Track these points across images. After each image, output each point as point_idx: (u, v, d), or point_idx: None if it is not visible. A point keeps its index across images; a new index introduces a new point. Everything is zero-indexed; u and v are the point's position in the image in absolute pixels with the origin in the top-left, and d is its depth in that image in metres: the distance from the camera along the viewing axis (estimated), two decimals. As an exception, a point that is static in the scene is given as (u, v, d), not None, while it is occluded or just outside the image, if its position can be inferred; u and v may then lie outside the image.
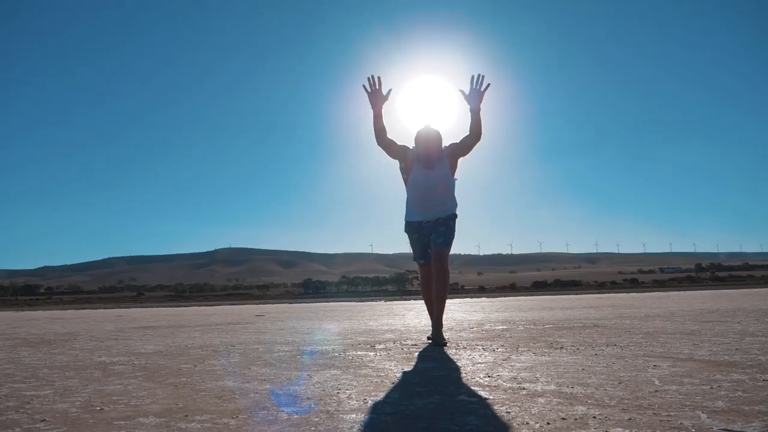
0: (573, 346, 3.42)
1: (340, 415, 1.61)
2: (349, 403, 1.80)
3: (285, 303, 29.43)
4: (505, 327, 5.33)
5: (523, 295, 33.19)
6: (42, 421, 1.65)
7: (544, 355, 2.97)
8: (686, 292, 26.51)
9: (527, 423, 1.47)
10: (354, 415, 1.61)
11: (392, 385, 2.12)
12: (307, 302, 29.78)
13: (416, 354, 3.19)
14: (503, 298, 24.66)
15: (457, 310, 9.34)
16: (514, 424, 1.46)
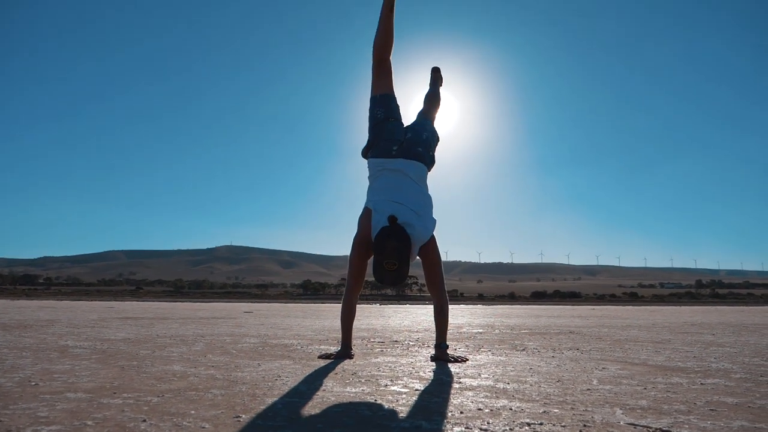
0: (536, 348, 3.43)
1: (265, 398, 1.63)
2: (281, 388, 1.82)
3: (281, 303, 29.48)
4: (481, 330, 5.34)
5: (520, 305, 33.15)
6: (-27, 392, 1.67)
7: (502, 356, 2.98)
8: (683, 307, 26.47)
9: (440, 411, 1.48)
10: (276, 399, 1.63)
11: (334, 376, 2.13)
12: (303, 302, 29.87)
13: (377, 350, 3.20)
14: (499, 306, 24.65)
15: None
16: (428, 411, 1.47)
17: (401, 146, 2.86)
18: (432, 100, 3.40)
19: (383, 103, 2.97)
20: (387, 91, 2.99)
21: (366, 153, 2.94)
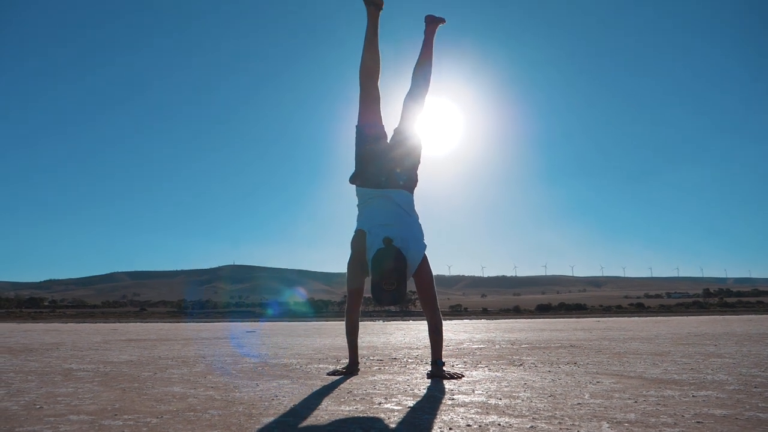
0: (533, 363, 3.45)
1: (260, 418, 1.67)
2: (277, 408, 1.86)
3: (284, 321, 29.43)
4: (481, 346, 5.35)
5: (525, 318, 32.99)
6: (-22, 417, 1.72)
7: (498, 371, 3.01)
8: (689, 317, 26.26)
9: (430, 428, 1.52)
10: (271, 419, 1.67)
11: (330, 394, 2.17)
12: (306, 321, 29.83)
13: (375, 368, 3.23)
14: (503, 321, 24.53)
15: (448, 331, 9.34)
16: (418, 428, 1.52)
17: (389, 176, 2.93)
18: (421, 75, 3.16)
19: (370, 133, 3.03)
20: (374, 120, 3.06)
21: (354, 180, 3.01)
